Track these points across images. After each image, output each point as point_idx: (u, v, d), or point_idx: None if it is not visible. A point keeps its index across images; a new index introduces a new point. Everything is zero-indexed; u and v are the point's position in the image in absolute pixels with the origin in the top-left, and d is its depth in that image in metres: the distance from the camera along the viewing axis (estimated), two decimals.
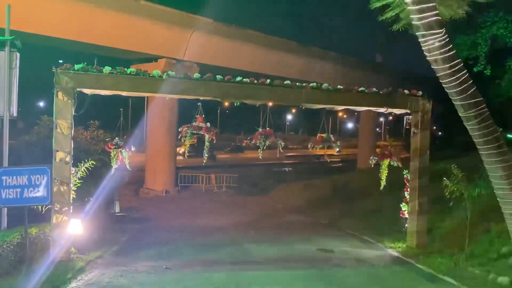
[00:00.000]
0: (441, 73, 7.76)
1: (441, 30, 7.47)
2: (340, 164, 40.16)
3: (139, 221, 16.18)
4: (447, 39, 7.59)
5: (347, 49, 31.60)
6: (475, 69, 17.63)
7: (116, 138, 9.38)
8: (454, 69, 7.68)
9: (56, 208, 8.95)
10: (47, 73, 8.84)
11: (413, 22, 7.68)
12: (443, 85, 7.98)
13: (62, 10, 17.29)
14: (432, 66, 7.92)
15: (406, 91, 11.24)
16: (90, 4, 17.74)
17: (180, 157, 26.73)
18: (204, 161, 9.82)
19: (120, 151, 9.27)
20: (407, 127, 70.75)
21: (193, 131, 9.40)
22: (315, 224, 16.53)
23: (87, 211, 10.68)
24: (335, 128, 69.06)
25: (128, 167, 9.44)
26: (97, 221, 12.94)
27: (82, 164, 9.33)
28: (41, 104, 54.95)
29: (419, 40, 7.75)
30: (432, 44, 7.56)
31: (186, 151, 10.25)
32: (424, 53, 7.85)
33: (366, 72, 30.89)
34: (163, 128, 23.93)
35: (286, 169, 37.00)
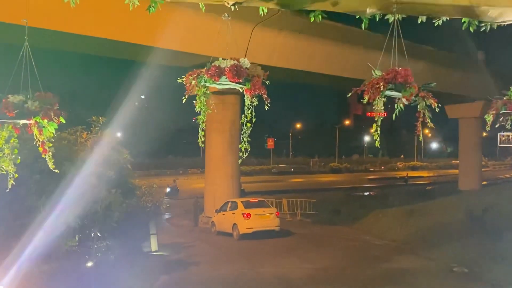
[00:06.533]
0: None
1: None
2: (433, 186, 32.13)
3: (176, 266, 10.34)
4: None
5: (440, 46, 24.23)
6: None
7: (18, 95, 3.50)
8: None
9: None
10: None
11: None
12: None
13: None
14: None
15: None
16: None
17: None
18: (243, 156, 3.79)
19: (36, 122, 3.49)
20: (501, 145, 59.58)
21: (210, 79, 3.47)
22: (446, 273, 9.70)
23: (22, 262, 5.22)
24: (419, 148, 59.81)
25: (51, 165, 3.59)
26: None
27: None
28: None
29: None
30: None
31: None
32: None
33: (468, 73, 23.58)
34: (223, 144, 18.47)
35: (369, 193, 30.02)
